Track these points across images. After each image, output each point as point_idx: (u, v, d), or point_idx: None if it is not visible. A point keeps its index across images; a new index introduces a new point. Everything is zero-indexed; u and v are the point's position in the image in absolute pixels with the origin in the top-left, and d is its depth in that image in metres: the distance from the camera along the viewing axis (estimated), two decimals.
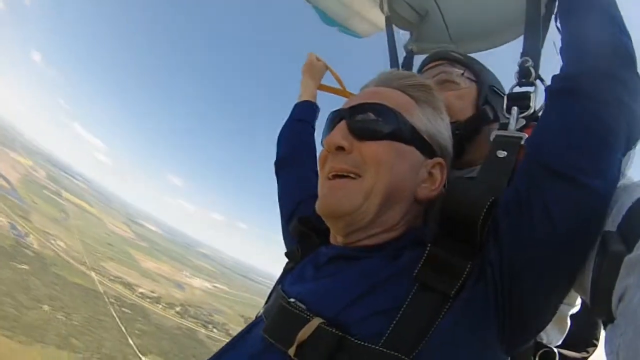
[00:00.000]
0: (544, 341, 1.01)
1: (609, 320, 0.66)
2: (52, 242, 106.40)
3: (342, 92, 1.98)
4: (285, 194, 1.49)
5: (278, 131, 1.73)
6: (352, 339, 0.70)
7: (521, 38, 1.31)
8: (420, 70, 1.53)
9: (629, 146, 0.84)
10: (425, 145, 0.99)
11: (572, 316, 1.07)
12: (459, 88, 1.37)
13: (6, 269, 77.24)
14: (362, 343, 0.69)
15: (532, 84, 1.24)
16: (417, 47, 1.99)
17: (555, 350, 0.99)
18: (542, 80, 1.26)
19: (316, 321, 0.73)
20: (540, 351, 0.97)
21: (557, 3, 1.16)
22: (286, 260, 1.20)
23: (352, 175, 0.92)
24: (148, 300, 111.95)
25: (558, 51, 0.99)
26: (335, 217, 0.93)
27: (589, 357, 1.30)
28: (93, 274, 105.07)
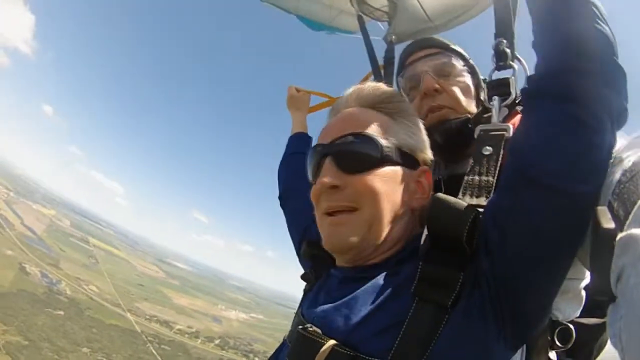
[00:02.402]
0: (560, 318, 0.99)
1: (610, 299, 0.65)
2: (85, 287, 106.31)
3: (332, 103, 2.06)
4: (291, 224, 1.58)
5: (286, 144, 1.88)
6: (364, 356, 0.76)
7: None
8: (407, 57, 1.50)
9: (615, 136, 0.81)
10: (409, 160, 1.02)
11: (586, 286, 1.04)
12: (463, 81, 1.37)
13: (42, 315, 76.90)
14: (372, 359, 0.75)
15: (511, 67, 1.23)
16: (397, 36, 2.00)
17: (571, 326, 0.97)
18: (519, 60, 1.24)
19: (330, 344, 0.79)
20: (557, 329, 0.97)
21: None
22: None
23: (349, 208, 0.95)
24: (186, 335, 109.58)
25: (531, 44, 0.92)
26: (344, 252, 0.97)
27: None
28: (129, 314, 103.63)
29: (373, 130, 1.00)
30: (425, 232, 0.90)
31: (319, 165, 1.01)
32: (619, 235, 0.63)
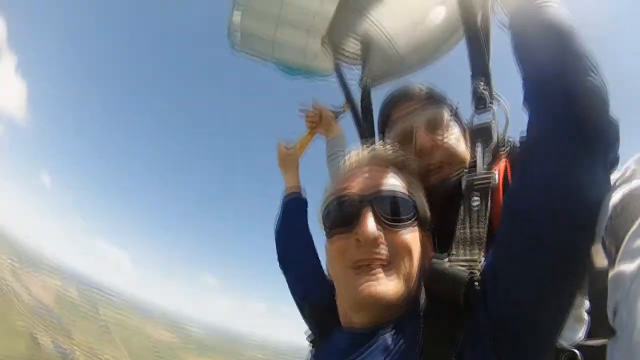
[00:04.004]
0: (564, 345, 0.99)
1: (610, 333, 0.67)
2: (100, 356, 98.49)
3: (308, 140, 2.18)
4: (293, 287, 1.58)
5: (310, 212, 1.86)
6: None
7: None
8: (390, 111, 1.46)
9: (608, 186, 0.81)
10: (424, 221, 1.05)
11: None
12: (454, 132, 1.33)
13: None
14: None
15: (489, 109, 1.21)
16: (372, 79, 2.00)
17: (577, 352, 0.97)
18: (499, 100, 1.22)
19: None
20: (563, 355, 0.96)
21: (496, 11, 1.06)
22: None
23: (384, 263, 0.94)
24: None
25: (522, 101, 0.91)
26: (374, 306, 0.93)
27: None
28: None
29: (404, 189, 1.03)
30: (423, 291, 0.92)
31: (356, 216, 0.97)
32: (610, 273, 0.66)
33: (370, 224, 0.94)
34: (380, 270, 0.93)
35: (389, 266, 0.94)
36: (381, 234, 0.95)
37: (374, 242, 0.94)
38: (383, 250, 0.94)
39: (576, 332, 0.98)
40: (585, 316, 0.98)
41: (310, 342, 1.25)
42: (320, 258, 1.54)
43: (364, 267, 0.94)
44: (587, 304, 0.97)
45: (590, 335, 0.93)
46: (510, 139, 1.25)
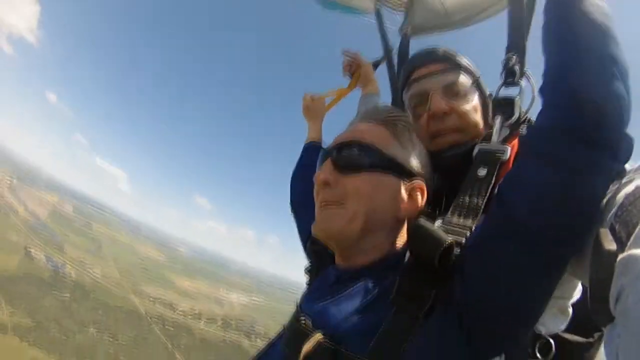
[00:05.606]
0: (543, 332, 0.99)
1: (608, 320, 0.66)
2: (89, 270, 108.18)
3: (345, 92, 2.14)
4: (300, 229, 1.72)
5: (303, 141, 2.03)
6: (344, 351, 0.83)
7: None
8: (412, 71, 1.45)
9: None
10: (401, 170, 1.10)
11: (576, 303, 1.03)
12: (471, 100, 1.33)
13: (49, 298, 78.84)
14: (351, 354, 0.82)
15: (517, 84, 1.21)
16: (412, 28, 1.95)
17: (552, 341, 0.98)
18: (528, 78, 1.21)
19: (317, 336, 0.87)
20: (538, 343, 0.98)
21: None
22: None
23: (337, 204, 1.06)
24: (189, 317, 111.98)
25: (537, 91, 0.89)
26: (326, 238, 1.09)
27: (594, 342, 1.25)
28: (133, 296, 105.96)
29: (370, 140, 1.10)
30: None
31: (323, 164, 1.14)
32: (620, 256, 0.64)
33: (325, 169, 1.10)
34: (333, 208, 1.07)
35: (341, 206, 1.05)
36: (335, 178, 1.07)
37: (325, 185, 1.09)
38: (337, 192, 1.07)
39: (558, 322, 1.00)
40: (570, 309, 1.00)
41: (307, 271, 1.38)
42: None
43: (323, 206, 1.09)
44: (574, 296, 0.99)
45: (583, 322, 0.94)
46: (531, 119, 1.23)
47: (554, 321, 0.99)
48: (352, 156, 1.09)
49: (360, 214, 1.03)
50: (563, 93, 0.83)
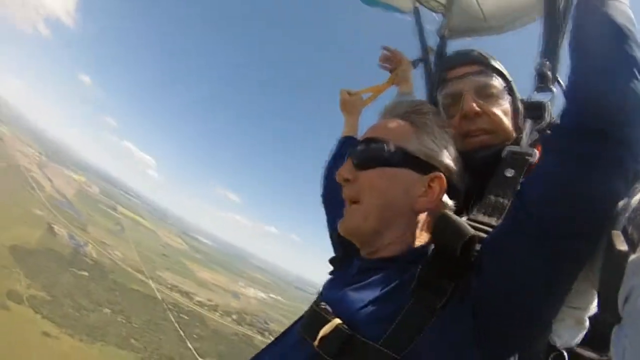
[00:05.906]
0: (558, 344, 0.99)
1: (616, 320, 0.66)
2: (110, 252, 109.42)
3: (383, 89, 2.15)
4: (330, 221, 1.76)
5: (334, 145, 2.01)
6: (359, 337, 0.85)
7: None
8: (447, 72, 1.49)
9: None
10: (420, 164, 1.10)
11: (592, 317, 1.03)
12: (503, 103, 1.36)
13: (67, 274, 79.42)
14: (366, 341, 0.84)
15: (550, 90, 1.23)
16: (450, 30, 2.02)
17: (565, 353, 0.98)
18: (560, 84, 1.23)
19: (335, 322, 0.89)
20: (552, 355, 0.98)
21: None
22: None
23: (355, 200, 1.11)
24: (205, 307, 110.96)
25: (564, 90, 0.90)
26: (347, 235, 1.13)
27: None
28: (151, 281, 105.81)
29: (385, 135, 1.13)
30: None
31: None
32: (632, 257, 0.65)
33: (345, 166, 1.14)
34: (353, 206, 1.10)
35: (358, 203, 1.09)
36: (354, 175, 1.11)
37: (346, 181, 1.12)
38: (355, 188, 1.10)
39: (574, 334, 0.97)
40: (587, 322, 0.96)
41: (332, 263, 1.37)
42: None
43: (348, 203, 1.13)
44: (591, 308, 0.94)
45: (598, 337, 0.92)
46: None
47: (569, 332, 0.98)
48: (367, 152, 1.12)
49: (375, 208, 1.06)
50: (585, 94, 0.85)
